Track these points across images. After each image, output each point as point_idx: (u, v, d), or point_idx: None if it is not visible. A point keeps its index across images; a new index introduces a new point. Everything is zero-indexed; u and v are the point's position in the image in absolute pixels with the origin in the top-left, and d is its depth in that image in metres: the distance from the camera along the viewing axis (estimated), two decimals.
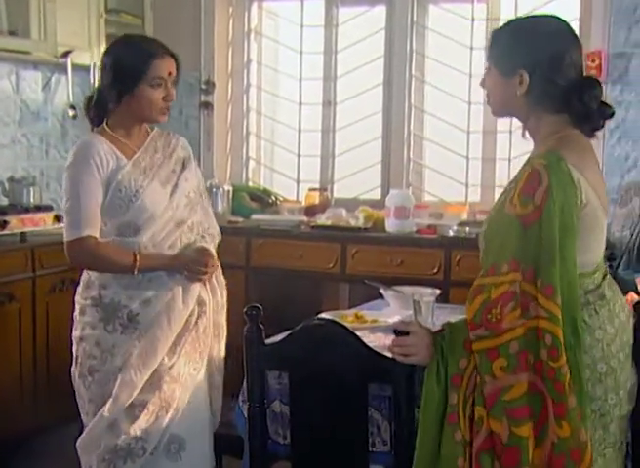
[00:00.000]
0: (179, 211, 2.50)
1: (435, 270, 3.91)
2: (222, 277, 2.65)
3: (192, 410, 2.47)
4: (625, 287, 2.51)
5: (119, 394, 2.39)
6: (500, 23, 4.36)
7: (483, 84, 2.09)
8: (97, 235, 2.45)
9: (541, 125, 1.99)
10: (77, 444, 2.49)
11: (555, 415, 1.79)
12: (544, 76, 1.95)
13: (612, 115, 2.01)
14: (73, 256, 2.46)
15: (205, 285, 2.53)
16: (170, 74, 2.49)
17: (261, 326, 1.98)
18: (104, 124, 2.52)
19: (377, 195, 4.60)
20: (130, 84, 2.44)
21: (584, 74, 2.01)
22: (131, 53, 2.48)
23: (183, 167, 2.57)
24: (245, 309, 2.03)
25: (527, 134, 2.07)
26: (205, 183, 2.78)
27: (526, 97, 1.97)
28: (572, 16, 4.08)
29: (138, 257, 2.41)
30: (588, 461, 1.80)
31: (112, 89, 2.46)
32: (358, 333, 2.54)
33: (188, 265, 2.46)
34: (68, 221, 2.45)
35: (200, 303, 2.50)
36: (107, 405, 2.39)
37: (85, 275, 2.54)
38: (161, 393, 2.40)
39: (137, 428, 2.38)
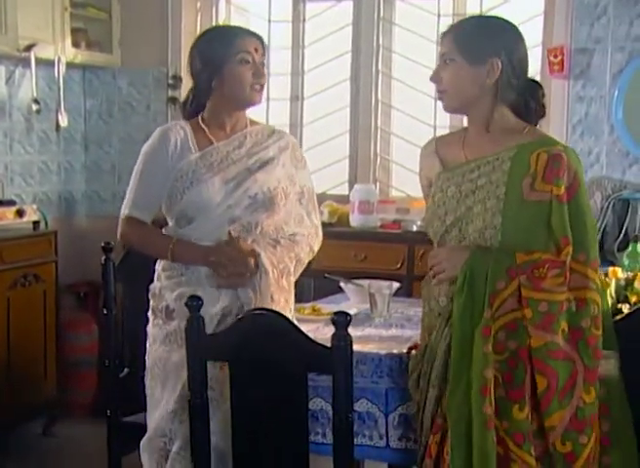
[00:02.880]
0: (236, 209, 2.41)
1: (399, 265, 3.92)
2: (284, 296, 2.43)
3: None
4: None
5: (152, 392, 2.41)
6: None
7: (437, 78, 2.10)
8: (144, 217, 2.46)
9: (507, 117, 2.07)
10: None
11: (585, 381, 1.93)
12: (512, 65, 2.03)
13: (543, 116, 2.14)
14: (119, 233, 2.50)
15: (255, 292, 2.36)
16: (257, 51, 2.42)
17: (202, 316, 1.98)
18: (199, 116, 2.50)
19: (344, 190, 4.60)
20: (218, 66, 2.39)
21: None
22: (214, 37, 2.46)
23: (260, 167, 2.47)
24: (186, 300, 2.03)
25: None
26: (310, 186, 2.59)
27: (494, 86, 2.03)
28: (536, 11, 4.11)
29: (174, 242, 2.38)
30: (597, 428, 1.97)
31: (202, 77, 2.43)
32: (314, 325, 2.57)
33: (222, 261, 2.33)
34: (125, 199, 2.49)
35: (240, 307, 2.34)
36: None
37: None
38: (175, 395, 2.34)
39: (163, 425, 2.35)
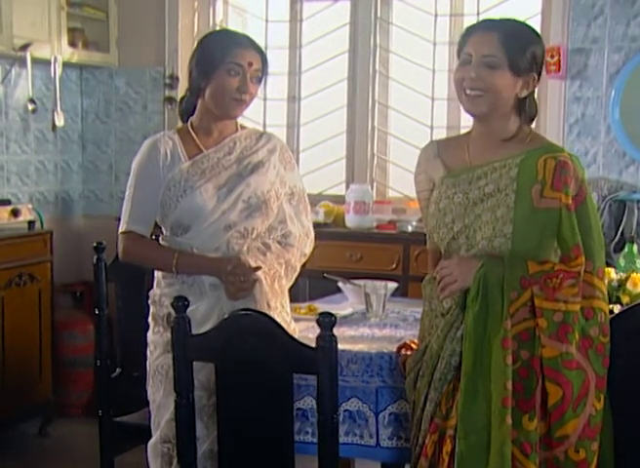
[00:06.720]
0: (231, 215, 2.40)
1: (394, 265, 3.92)
2: (279, 301, 2.44)
3: None
4: None
5: (154, 398, 2.39)
6: (464, 19, 4.40)
7: (480, 81, 2.01)
8: (143, 231, 2.44)
9: (516, 125, 2.07)
10: None
11: (597, 388, 1.94)
12: (538, 79, 2.05)
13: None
14: (119, 249, 2.47)
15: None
16: (250, 65, 2.39)
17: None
18: (189, 121, 2.49)
19: (342, 191, 4.59)
20: (208, 70, 2.38)
21: None
22: (215, 41, 2.45)
23: (252, 171, 2.46)
24: (172, 301, 2.02)
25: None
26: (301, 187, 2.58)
27: (519, 99, 2.03)
28: (533, 11, 4.10)
29: (177, 256, 2.36)
30: None
31: (193, 76, 2.43)
32: (309, 324, 2.54)
33: (229, 272, 2.32)
34: (122, 215, 2.46)
35: None
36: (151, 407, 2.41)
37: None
38: None
39: (166, 431, 2.33)
